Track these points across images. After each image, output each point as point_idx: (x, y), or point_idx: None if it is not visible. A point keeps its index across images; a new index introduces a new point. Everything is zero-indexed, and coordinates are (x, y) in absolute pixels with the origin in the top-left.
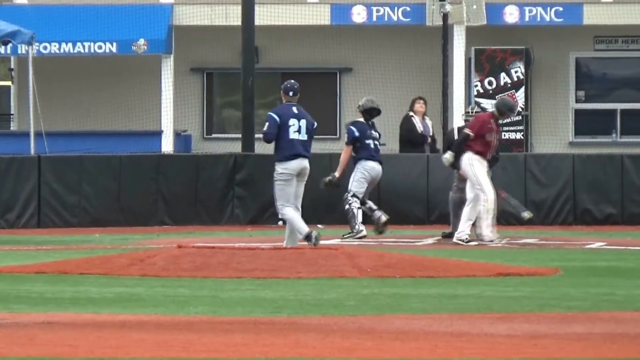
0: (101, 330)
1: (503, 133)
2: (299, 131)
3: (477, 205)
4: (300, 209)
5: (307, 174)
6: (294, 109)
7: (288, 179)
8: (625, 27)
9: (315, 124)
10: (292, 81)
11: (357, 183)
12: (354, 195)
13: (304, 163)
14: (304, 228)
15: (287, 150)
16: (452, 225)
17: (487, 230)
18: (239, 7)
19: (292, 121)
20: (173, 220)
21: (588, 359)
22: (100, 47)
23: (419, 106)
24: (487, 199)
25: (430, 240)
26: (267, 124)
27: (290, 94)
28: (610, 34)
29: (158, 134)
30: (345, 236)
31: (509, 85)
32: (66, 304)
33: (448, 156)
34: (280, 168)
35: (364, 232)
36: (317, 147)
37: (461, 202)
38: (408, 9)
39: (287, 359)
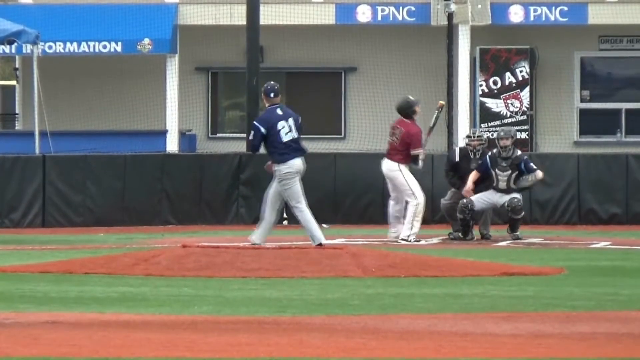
0: (105, 330)
1: None
2: (290, 131)
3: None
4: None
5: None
6: (279, 111)
7: (294, 177)
8: (630, 26)
9: (300, 117)
10: (272, 82)
11: None
12: None
13: (302, 162)
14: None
15: (286, 152)
16: (453, 224)
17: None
18: (244, 7)
19: (281, 124)
20: (177, 220)
21: (592, 359)
22: (105, 47)
23: None
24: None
25: (434, 240)
26: (252, 133)
27: (272, 95)
28: (615, 34)
29: (163, 133)
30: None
31: (514, 84)
32: (70, 304)
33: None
34: (284, 168)
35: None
36: (322, 147)
37: (452, 209)
38: (413, 8)
39: (291, 359)
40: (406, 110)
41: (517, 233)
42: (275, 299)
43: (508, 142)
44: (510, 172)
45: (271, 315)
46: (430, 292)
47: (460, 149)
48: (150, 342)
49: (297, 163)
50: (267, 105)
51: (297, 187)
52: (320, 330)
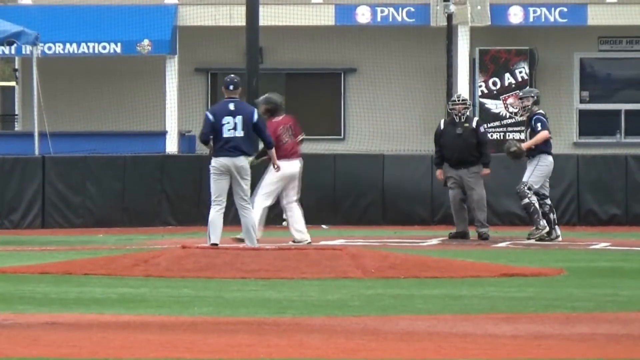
0: (105, 331)
1: (507, 134)
2: (234, 128)
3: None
4: (249, 204)
5: (245, 172)
6: (231, 106)
7: (219, 174)
8: (630, 27)
9: (256, 117)
10: (232, 75)
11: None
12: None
13: (236, 162)
14: (213, 237)
15: (221, 147)
16: (457, 224)
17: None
18: (243, 8)
19: (227, 119)
20: (177, 221)
21: None
22: (104, 48)
23: None
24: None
25: (434, 241)
26: (203, 123)
27: (231, 87)
28: (615, 35)
29: (162, 134)
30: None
31: (513, 85)
32: (70, 305)
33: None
34: (213, 162)
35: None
36: (321, 148)
37: (462, 200)
38: (412, 9)
39: None
40: (282, 105)
41: (530, 231)
42: (275, 300)
43: (529, 103)
44: (525, 128)
45: (271, 316)
46: (430, 293)
47: (445, 119)
48: (150, 343)
49: (226, 163)
50: (225, 97)
51: (220, 184)
52: (320, 331)
